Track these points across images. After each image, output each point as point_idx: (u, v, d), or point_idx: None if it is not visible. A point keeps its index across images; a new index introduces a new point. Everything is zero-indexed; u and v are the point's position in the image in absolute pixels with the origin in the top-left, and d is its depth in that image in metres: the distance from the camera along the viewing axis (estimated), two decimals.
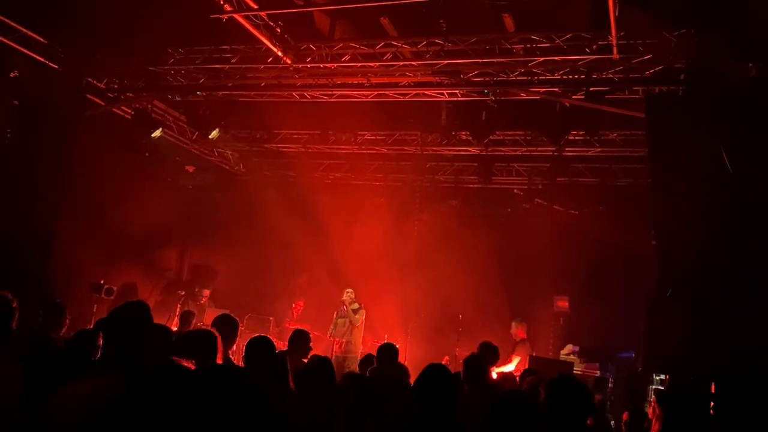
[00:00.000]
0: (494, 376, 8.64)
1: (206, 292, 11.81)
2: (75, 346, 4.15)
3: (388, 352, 5.96)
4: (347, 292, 10.53)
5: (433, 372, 3.35)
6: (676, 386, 6.48)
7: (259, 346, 4.44)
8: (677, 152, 7.06)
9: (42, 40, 8.89)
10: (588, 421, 3.82)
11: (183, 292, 11.70)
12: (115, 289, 10.45)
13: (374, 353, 6.33)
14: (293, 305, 12.43)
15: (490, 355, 6.33)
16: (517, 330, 9.70)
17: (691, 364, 6.15)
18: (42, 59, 9.02)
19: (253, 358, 4.34)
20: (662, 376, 7.67)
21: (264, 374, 4.09)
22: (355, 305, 10.45)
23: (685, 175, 6.96)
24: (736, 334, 5.96)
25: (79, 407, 2.30)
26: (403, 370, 5.89)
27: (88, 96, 9.97)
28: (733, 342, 5.94)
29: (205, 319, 10.76)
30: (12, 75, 9.18)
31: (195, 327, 9.21)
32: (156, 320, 4.21)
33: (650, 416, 5.56)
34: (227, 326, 5.33)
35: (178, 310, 10.83)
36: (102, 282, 10.25)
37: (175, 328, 9.66)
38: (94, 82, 10.02)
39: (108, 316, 3.00)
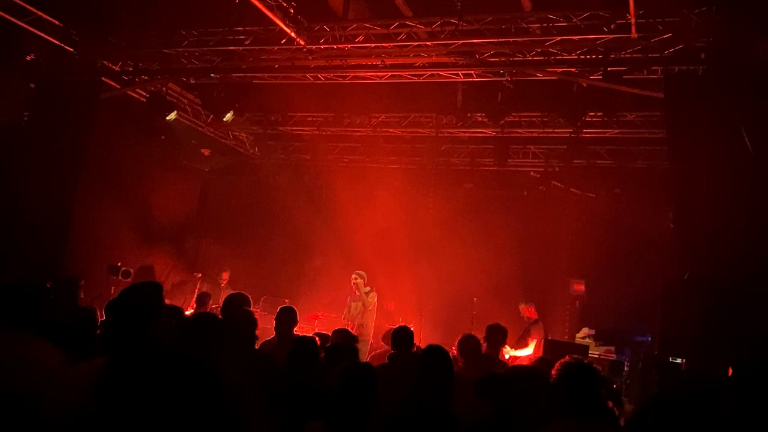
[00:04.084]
0: (506, 357, 8.62)
1: (225, 276, 11.86)
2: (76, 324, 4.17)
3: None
4: (358, 275, 10.53)
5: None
6: (693, 370, 6.42)
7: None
8: (697, 133, 6.94)
9: (57, 23, 8.91)
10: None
11: (199, 275, 11.79)
12: (132, 271, 10.55)
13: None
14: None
15: (497, 336, 6.17)
16: (527, 311, 9.65)
17: (708, 348, 6.09)
18: (57, 42, 9.05)
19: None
20: (679, 360, 7.59)
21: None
22: (366, 288, 10.46)
23: (704, 156, 6.84)
24: (754, 319, 5.87)
25: (71, 388, 2.32)
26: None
27: (104, 79, 10.00)
28: (750, 326, 5.86)
29: (221, 302, 10.83)
30: (28, 58, 9.23)
31: (210, 309, 9.30)
32: (173, 303, 4.24)
33: None
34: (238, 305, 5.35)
35: (195, 292, 10.92)
36: (119, 264, 10.35)
37: (191, 310, 9.77)
38: (109, 65, 10.04)
39: (119, 296, 2.99)
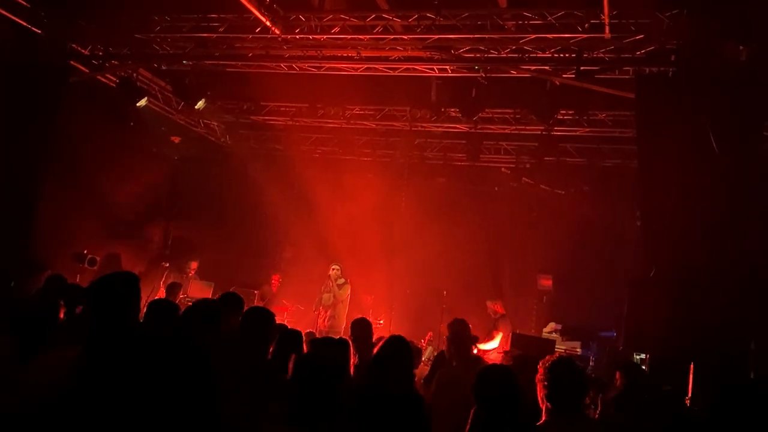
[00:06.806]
0: (475, 352, 8.72)
1: (194, 265, 11.76)
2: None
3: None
4: (334, 268, 10.54)
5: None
6: (656, 366, 6.57)
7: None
8: (665, 133, 7.07)
9: (24, 3, 8.66)
10: None
11: (167, 264, 11.64)
12: (98, 259, 10.39)
13: None
14: (271, 280, 12.39)
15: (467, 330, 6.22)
16: (495, 306, 9.81)
17: (672, 344, 6.23)
18: (24, 24, 8.80)
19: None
20: (643, 356, 7.76)
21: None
22: (341, 280, 10.46)
23: (672, 156, 6.98)
24: (717, 317, 6.02)
25: (48, 378, 2.28)
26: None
27: (72, 63, 9.77)
28: (714, 324, 6.01)
29: (189, 292, 10.73)
30: None
31: (180, 300, 9.20)
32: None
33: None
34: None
35: (162, 281, 10.77)
36: (85, 252, 10.19)
37: None
38: (78, 48, 9.80)
39: (96, 283, 2.90)
